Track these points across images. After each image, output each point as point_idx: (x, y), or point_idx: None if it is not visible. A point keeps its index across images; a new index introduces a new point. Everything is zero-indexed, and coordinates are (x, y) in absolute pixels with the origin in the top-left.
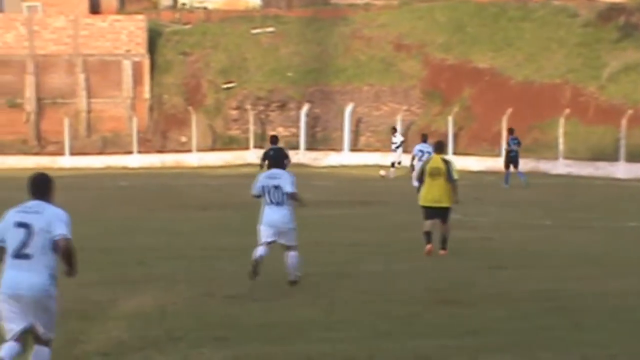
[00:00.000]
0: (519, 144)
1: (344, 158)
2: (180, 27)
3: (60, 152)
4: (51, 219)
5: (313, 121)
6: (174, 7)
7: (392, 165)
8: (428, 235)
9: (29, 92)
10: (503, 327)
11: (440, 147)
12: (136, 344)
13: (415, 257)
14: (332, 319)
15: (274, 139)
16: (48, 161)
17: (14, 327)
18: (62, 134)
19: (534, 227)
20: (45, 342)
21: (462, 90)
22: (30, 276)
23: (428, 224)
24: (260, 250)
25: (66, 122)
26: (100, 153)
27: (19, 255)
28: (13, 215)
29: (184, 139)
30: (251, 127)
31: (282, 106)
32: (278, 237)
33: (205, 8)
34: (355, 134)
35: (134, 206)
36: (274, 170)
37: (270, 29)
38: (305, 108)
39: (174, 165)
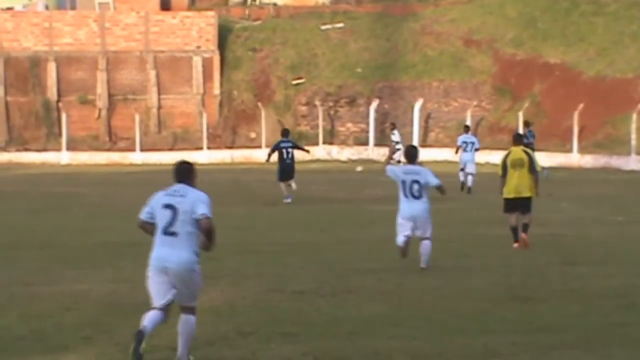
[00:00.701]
0: (533, 136)
1: None
2: (250, 24)
3: (131, 148)
4: (194, 202)
5: (382, 117)
6: (244, 3)
7: (398, 162)
8: (515, 231)
9: (101, 89)
10: (575, 324)
11: (519, 139)
12: (206, 338)
13: (485, 252)
14: (401, 314)
15: (285, 132)
16: (119, 157)
17: (160, 297)
18: (133, 130)
19: (607, 223)
20: (191, 310)
21: (532, 85)
22: (176, 252)
23: (513, 219)
24: (402, 240)
25: (137, 118)
26: (171, 149)
27: (167, 232)
28: (161, 197)
29: (253, 135)
30: (320, 123)
31: (351, 102)
32: (415, 230)
33: (274, 4)
34: (425, 129)
35: None
36: (411, 167)
37: (340, 25)
38: (374, 104)
39: (243, 161)
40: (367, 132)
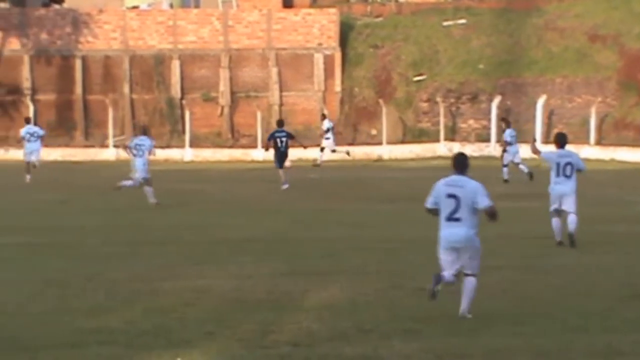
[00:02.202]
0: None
1: None
2: (371, 20)
3: (252, 145)
4: (474, 192)
5: (504, 113)
6: (365, 0)
7: (322, 149)
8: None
9: (223, 86)
10: None
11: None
12: (326, 335)
13: (607, 250)
14: (523, 312)
15: (280, 122)
16: (241, 154)
17: (450, 269)
18: (255, 127)
19: None
20: (473, 275)
21: None
22: (462, 233)
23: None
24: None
25: (259, 115)
26: (292, 146)
27: (451, 218)
28: (443, 188)
29: (374, 132)
30: (442, 120)
31: (473, 98)
32: (562, 205)
33: (396, 1)
34: (548, 126)
35: (323, 198)
36: (563, 151)
37: (462, 21)
38: (496, 100)
39: (364, 158)
40: (489, 128)
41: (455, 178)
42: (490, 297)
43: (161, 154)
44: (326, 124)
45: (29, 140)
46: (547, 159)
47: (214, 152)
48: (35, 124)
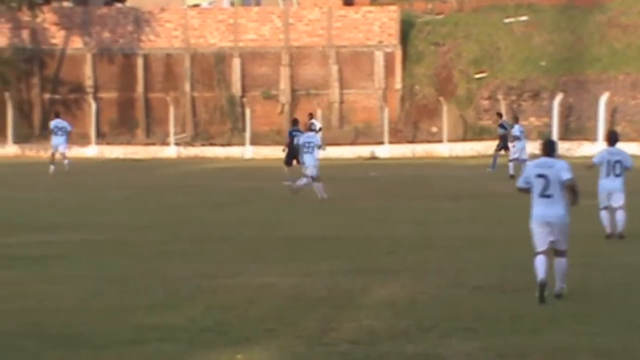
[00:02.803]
0: (504, 127)
1: (599, 148)
2: (432, 18)
3: None
4: (560, 170)
5: (566, 111)
6: None
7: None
8: None
9: (284, 84)
10: None
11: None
12: (386, 333)
13: None
14: (585, 310)
15: (295, 121)
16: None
17: (543, 243)
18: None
19: None
20: (563, 254)
21: None
22: (554, 209)
23: None
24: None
25: (319, 113)
26: (352, 143)
27: (543, 195)
28: (534, 169)
29: (434, 130)
30: (503, 118)
31: (535, 96)
32: (610, 201)
33: None
34: (611, 124)
35: (384, 196)
36: (613, 149)
37: (524, 18)
38: (558, 98)
39: (425, 156)
40: (551, 126)
41: (544, 160)
42: (552, 296)
43: (222, 151)
44: (317, 124)
45: (56, 134)
46: (599, 159)
47: (274, 150)
48: (60, 119)
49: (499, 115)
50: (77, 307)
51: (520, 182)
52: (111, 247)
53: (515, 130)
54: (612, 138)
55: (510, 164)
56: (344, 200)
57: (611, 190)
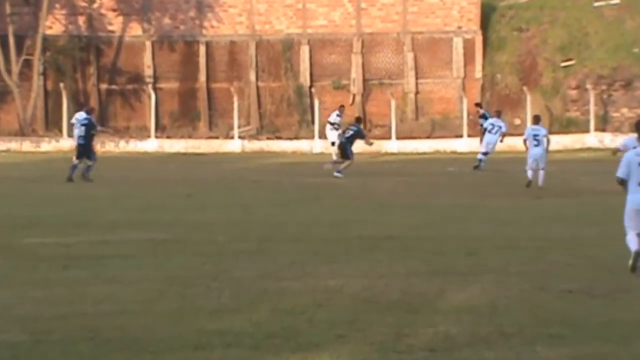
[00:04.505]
0: (485, 117)
1: None
2: (515, 1)
3: (386, 136)
4: None
5: None
6: None
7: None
8: None
9: (355, 73)
10: None
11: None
12: (465, 339)
13: None
14: None
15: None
16: (373, 145)
17: (636, 227)
18: (389, 117)
19: None
20: None
21: None
22: None
23: None
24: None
25: (393, 104)
26: (428, 137)
27: None
28: (634, 158)
29: (518, 121)
30: (592, 109)
31: (627, 85)
32: None
33: None
34: None
35: (463, 193)
36: None
37: (615, 1)
38: None
39: (507, 150)
40: None
41: None
42: None
43: (289, 145)
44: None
45: (76, 127)
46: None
47: None
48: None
49: (478, 105)
50: (138, 310)
51: (619, 173)
52: (173, 246)
53: (487, 123)
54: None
55: (482, 156)
56: (420, 198)
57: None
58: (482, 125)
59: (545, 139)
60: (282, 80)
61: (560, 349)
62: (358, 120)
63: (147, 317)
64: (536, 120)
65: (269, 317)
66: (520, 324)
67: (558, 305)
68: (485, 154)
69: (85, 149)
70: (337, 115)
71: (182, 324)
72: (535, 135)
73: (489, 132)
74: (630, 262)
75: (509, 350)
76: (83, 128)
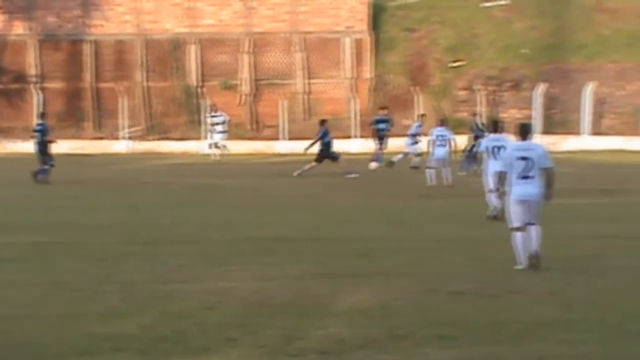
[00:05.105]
0: (388, 121)
1: (584, 142)
2: (405, 1)
3: (276, 137)
4: (540, 155)
5: (550, 102)
6: None
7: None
8: None
9: (245, 73)
10: None
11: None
12: (356, 341)
13: None
14: (570, 317)
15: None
16: (263, 146)
17: (519, 219)
18: (279, 117)
19: None
20: (538, 225)
21: None
22: (532, 189)
23: None
24: None
25: (283, 104)
26: None
27: (524, 177)
28: (515, 152)
29: (407, 122)
30: (481, 109)
31: (516, 86)
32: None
33: None
34: (597, 115)
35: (355, 194)
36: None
37: (504, 2)
38: (540, 88)
39: (398, 150)
40: (533, 118)
41: (524, 143)
42: (536, 301)
43: (178, 146)
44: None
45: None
46: (483, 147)
47: (235, 145)
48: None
49: (383, 108)
50: (23, 314)
51: (502, 166)
52: (60, 249)
53: (413, 128)
54: (496, 126)
55: (400, 156)
56: (312, 199)
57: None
58: (382, 129)
59: (451, 141)
60: (171, 80)
61: (450, 350)
62: (323, 122)
63: (34, 321)
64: (442, 122)
65: (158, 321)
66: (412, 326)
67: (449, 307)
68: (405, 154)
69: None
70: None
71: (69, 328)
72: (441, 137)
73: (439, 145)
74: (526, 262)
75: (400, 352)
76: None
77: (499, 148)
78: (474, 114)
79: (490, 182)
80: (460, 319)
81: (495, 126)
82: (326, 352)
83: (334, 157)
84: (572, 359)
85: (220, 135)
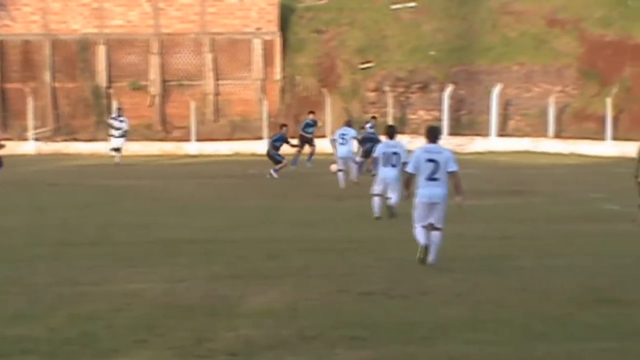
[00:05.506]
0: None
1: (491, 144)
2: (314, 3)
3: (185, 138)
4: (448, 158)
5: (457, 104)
6: None
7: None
8: None
9: (154, 74)
10: None
11: None
12: (266, 343)
13: (571, 252)
14: (478, 318)
15: (283, 125)
16: (173, 147)
17: (423, 220)
18: (188, 119)
19: None
20: (440, 229)
21: (622, 69)
22: (438, 191)
23: None
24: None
25: (192, 105)
26: (228, 138)
27: (431, 178)
28: (423, 154)
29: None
30: (390, 111)
31: (424, 87)
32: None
33: None
34: (504, 117)
35: (264, 196)
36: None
37: (412, 4)
38: (448, 89)
39: (309, 151)
40: (441, 120)
41: (432, 146)
42: (444, 302)
43: (86, 147)
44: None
45: None
46: (378, 153)
47: (144, 146)
48: None
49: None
50: None
51: (409, 168)
52: None
53: (367, 130)
54: (391, 132)
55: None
56: (220, 200)
57: (387, 180)
58: (310, 132)
59: (352, 140)
60: (79, 81)
61: (360, 351)
62: (282, 126)
63: None
64: (348, 124)
65: (67, 323)
66: (321, 327)
67: (358, 307)
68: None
69: None
70: (371, 127)
71: None
72: (342, 135)
73: (340, 144)
74: (418, 254)
75: (309, 353)
76: None
77: (393, 154)
78: (371, 118)
79: (376, 186)
80: (370, 320)
81: (391, 132)
82: (236, 353)
83: (278, 160)
84: (480, 359)
85: (121, 139)
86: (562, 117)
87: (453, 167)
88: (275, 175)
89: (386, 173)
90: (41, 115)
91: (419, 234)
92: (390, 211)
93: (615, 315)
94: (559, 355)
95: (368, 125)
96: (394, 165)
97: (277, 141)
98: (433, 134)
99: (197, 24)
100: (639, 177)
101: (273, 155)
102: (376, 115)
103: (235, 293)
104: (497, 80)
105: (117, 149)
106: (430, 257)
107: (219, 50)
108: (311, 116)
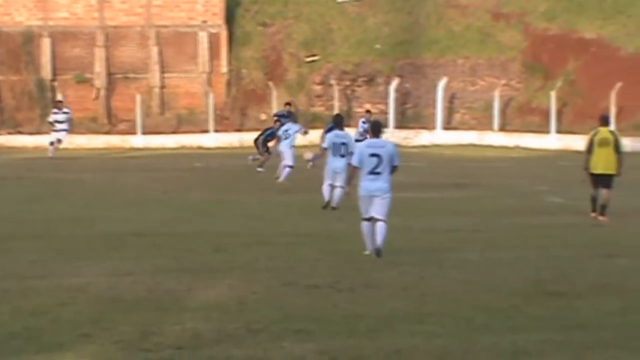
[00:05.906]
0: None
1: (437, 137)
2: None
3: (131, 131)
4: (391, 153)
5: (403, 97)
6: None
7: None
8: (594, 201)
9: (99, 67)
10: (615, 321)
11: (606, 121)
12: (212, 336)
13: (516, 244)
14: (424, 311)
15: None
16: (119, 140)
17: (367, 212)
18: (134, 112)
19: None
20: (382, 220)
21: (566, 62)
22: (380, 184)
23: (596, 192)
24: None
25: (138, 98)
26: (174, 132)
27: (374, 172)
28: (366, 149)
29: (263, 117)
30: (336, 104)
31: (370, 81)
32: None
33: None
34: (449, 110)
35: (210, 189)
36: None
37: None
38: (394, 83)
39: (253, 145)
40: (387, 113)
41: (375, 141)
42: (389, 295)
43: (31, 140)
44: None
45: None
46: (327, 143)
47: (89, 139)
48: None
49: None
50: None
51: (354, 161)
52: None
53: (360, 125)
54: (339, 122)
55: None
56: (167, 194)
57: (337, 170)
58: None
59: (294, 135)
60: (23, 74)
61: (306, 344)
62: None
63: None
64: (291, 118)
65: (11, 318)
66: (268, 320)
67: (305, 301)
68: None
69: None
70: (364, 122)
71: None
72: (285, 131)
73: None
74: (369, 252)
75: (256, 347)
76: None
77: (342, 144)
78: (366, 112)
79: (326, 176)
80: (316, 313)
81: (338, 122)
82: (182, 347)
83: (264, 151)
84: (426, 351)
85: (63, 132)
86: (507, 111)
87: (395, 162)
88: (256, 165)
89: (335, 163)
90: None
91: (366, 234)
92: (335, 201)
93: (560, 307)
94: (504, 346)
95: (361, 121)
96: (342, 156)
97: (269, 135)
98: (376, 129)
99: (143, 16)
100: (588, 169)
101: (259, 146)
102: (370, 109)
103: (182, 287)
104: (442, 74)
105: (59, 141)
106: (378, 243)
107: (165, 43)
108: (287, 108)
